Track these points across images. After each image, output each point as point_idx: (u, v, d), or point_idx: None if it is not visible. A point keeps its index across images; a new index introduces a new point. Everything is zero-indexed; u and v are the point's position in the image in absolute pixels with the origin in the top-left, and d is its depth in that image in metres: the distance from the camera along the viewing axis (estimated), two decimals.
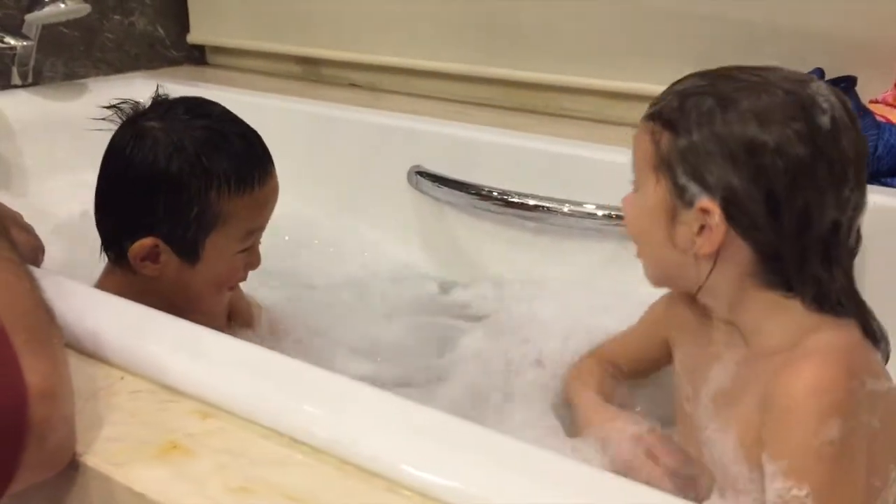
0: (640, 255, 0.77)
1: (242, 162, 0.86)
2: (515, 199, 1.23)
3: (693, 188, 0.68)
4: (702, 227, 0.69)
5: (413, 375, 1.08)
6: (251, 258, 0.91)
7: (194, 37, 1.81)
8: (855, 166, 0.68)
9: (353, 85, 1.65)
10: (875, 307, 0.72)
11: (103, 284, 0.87)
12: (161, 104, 0.89)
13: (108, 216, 0.87)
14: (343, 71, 1.67)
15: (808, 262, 0.68)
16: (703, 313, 0.77)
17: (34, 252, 0.78)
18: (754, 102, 0.67)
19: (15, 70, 1.47)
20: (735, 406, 0.71)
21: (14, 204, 1.00)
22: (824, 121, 0.67)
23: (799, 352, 0.67)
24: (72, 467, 0.56)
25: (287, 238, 1.42)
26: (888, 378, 0.69)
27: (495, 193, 1.25)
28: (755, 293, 0.70)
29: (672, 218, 0.71)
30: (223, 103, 1.58)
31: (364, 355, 1.14)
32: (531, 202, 1.22)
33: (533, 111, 1.44)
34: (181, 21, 1.78)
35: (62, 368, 0.56)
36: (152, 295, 0.85)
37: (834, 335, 0.68)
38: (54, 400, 0.53)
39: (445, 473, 0.52)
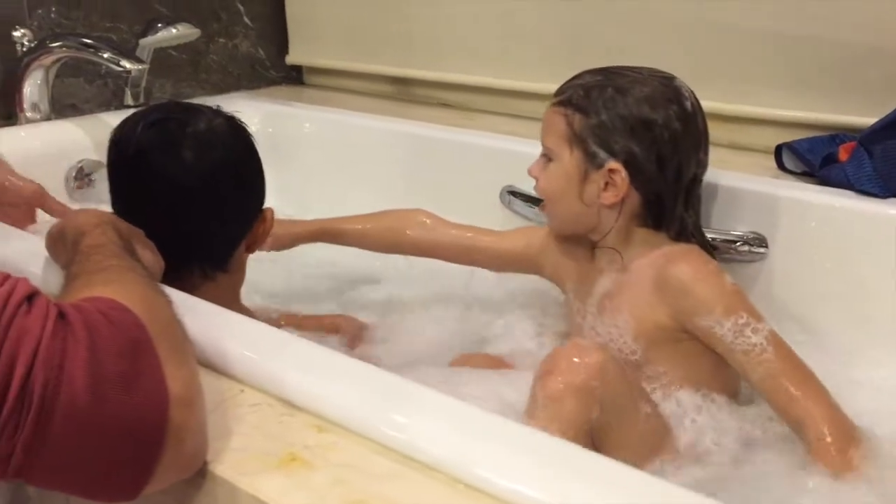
0: (549, 212, 1.01)
1: None
2: None
3: (602, 154, 0.93)
4: (606, 184, 0.93)
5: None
6: None
7: (293, 58, 1.88)
8: (705, 137, 0.97)
9: (445, 105, 1.69)
10: None
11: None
12: (169, 114, 0.91)
13: (223, 223, 0.90)
14: (435, 91, 1.70)
15: (677, 204, 0.95)
16: (586, 249, 1.02)
17: (157, 268, 0.83)
18: (643, 91, 0.93)
19: (128, 91, 1.55)
20: (620, 297, 0.97)
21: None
22: (688, 105, 0.94)
23: (674, 251, 0.95)
24: (199, 474, 0.59)
25: (377, 255, 1.45)
26: None
27: None
28: (636, 229, 0.96)
29: (583, 179, 0.94)
30: (318, 122, 1.66)
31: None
32: None
33: None
34: (281, 43, 1.86)
35: (197, 378, 0.60)
36: (234, 292, 0.94)
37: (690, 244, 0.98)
38: (192, 407, 0.57)
39: (557, 495, 0.54)
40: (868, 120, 1.15)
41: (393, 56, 1.73)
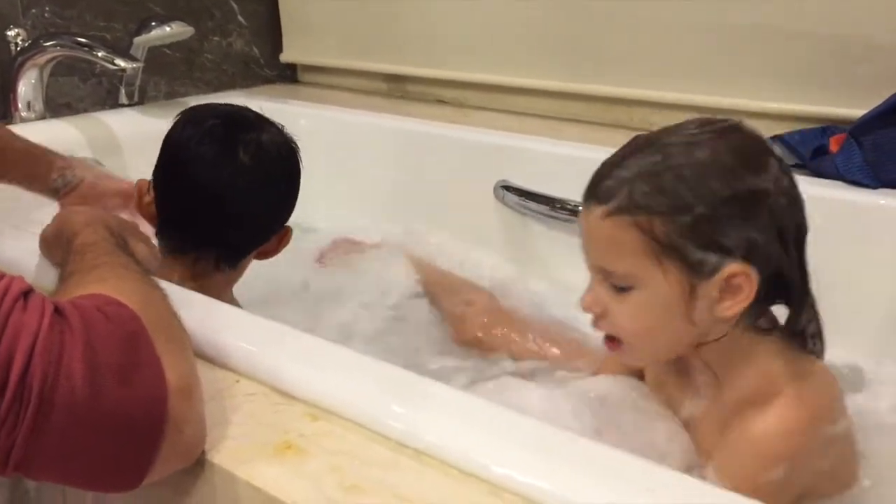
0: (635, 347, 0.74)
1: None
2: None
3: (712, 258, 0.68)
4: (722, 293, 0.69)
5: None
6: None
7: (287, 56, 1.88)
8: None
9: (440, 101, 1.69)
10: None
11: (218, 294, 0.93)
12: (225, 121, 0.96)
13: (254, 227, 0.97)
14: (429, 87, 1.71)
15: (804, 275, 0.72)
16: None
17: (152, 262, 0.83)
18: (727, 150, 0.68)
19: (122, 90, 1.56)
20: (698, 433, 0.76)
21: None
22: (776, 151, 0.71)
23: (772, 389, 0.70)
24: (197, 463, 0.60)
25: (374, 250, 1.46)
26: (845, 414, 0.73)
27: (581, 208, 1.27)
28: (741, 335, 0.72)
29: (690, 297, 0.69)
30: (314, 120, 1.66)
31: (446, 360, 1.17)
32: None
33: (620, 126, 1.44)
34: (275, 41, 1.86)
35: (195, 369, 0.60)
36: (230, 287, 0.99)
37: (806, 381, 0.71)
38: (190, 397, 0.57)
39: (550, 481, 0.54)
40: (858, 112, 1.16)
41: (387, 53, 1.73)
